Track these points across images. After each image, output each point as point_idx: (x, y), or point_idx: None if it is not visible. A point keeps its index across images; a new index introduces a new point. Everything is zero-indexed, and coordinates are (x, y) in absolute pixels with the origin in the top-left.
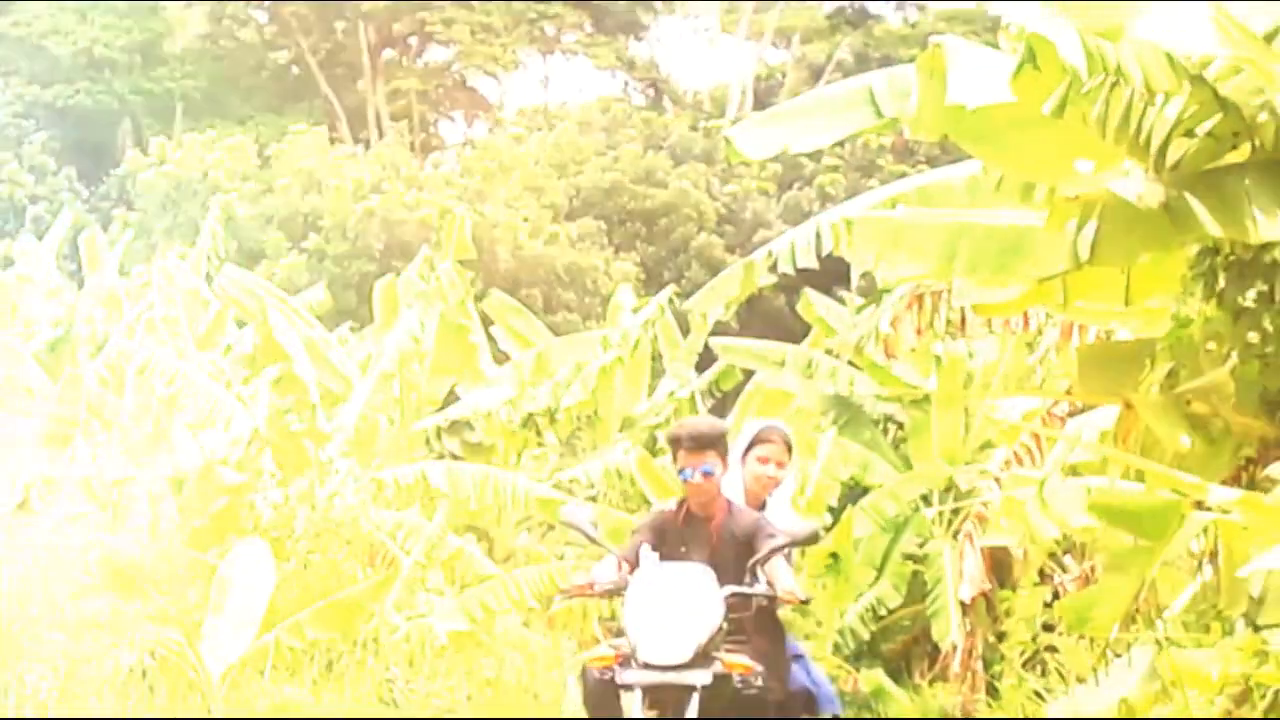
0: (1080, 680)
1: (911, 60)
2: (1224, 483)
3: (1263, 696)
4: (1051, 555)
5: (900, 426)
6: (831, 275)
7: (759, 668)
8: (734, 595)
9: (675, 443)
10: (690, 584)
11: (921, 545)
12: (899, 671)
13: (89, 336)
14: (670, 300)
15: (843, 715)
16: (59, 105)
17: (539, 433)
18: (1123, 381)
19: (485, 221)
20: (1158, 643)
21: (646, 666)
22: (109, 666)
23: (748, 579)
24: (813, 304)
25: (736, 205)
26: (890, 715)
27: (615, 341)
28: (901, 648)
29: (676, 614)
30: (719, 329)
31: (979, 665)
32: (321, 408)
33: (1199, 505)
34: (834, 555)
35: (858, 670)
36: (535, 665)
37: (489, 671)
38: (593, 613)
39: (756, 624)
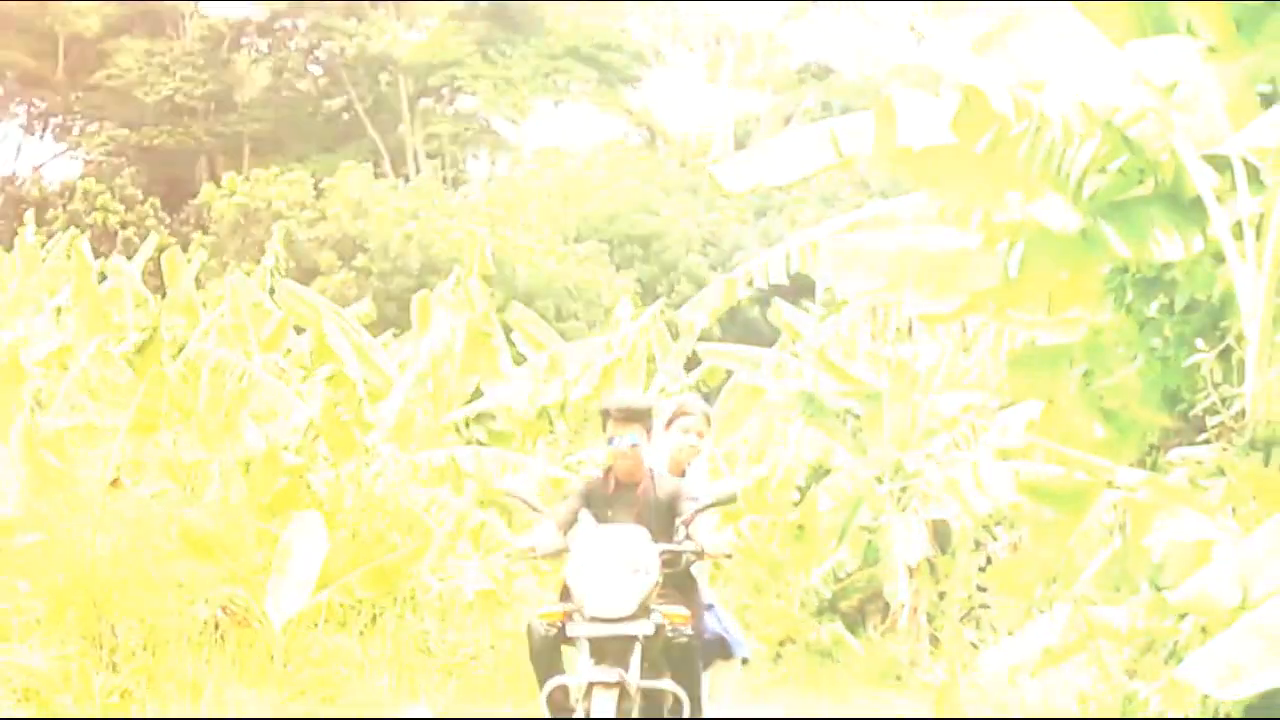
0: (1009, 633)
1: (867, 108)
2: (1131, 466)
3: (1163, 646)
4: (985, 527)
5: (857, 417)
6: (799, 290)
7: (692, 619)
8: (667, 552)
9: (606, 414)
10: (629, 543)
11: (875, 518)
12: (856, 625)
13: (170, 341)
14: (662, 311)
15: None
16: (145, 145)
17: (551, 422)
18: (1046, 380)
19: (506, 244)
20: (1075, 601)
21: (594, 620)
22: (187, 620)
23: (676, 537)
24: (783, 314)
25: (718, 231)
26: (849, 662)
27: (616, 345)
28: (858, 605)
29: (619, 571)
30: (704, 335)
31: (923, 620)
32: (367, 401)
33: (1110, 485)
34: (801, 527)
35: (821, 623)
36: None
37: (508, 625)
38: None
39: (674, 578)
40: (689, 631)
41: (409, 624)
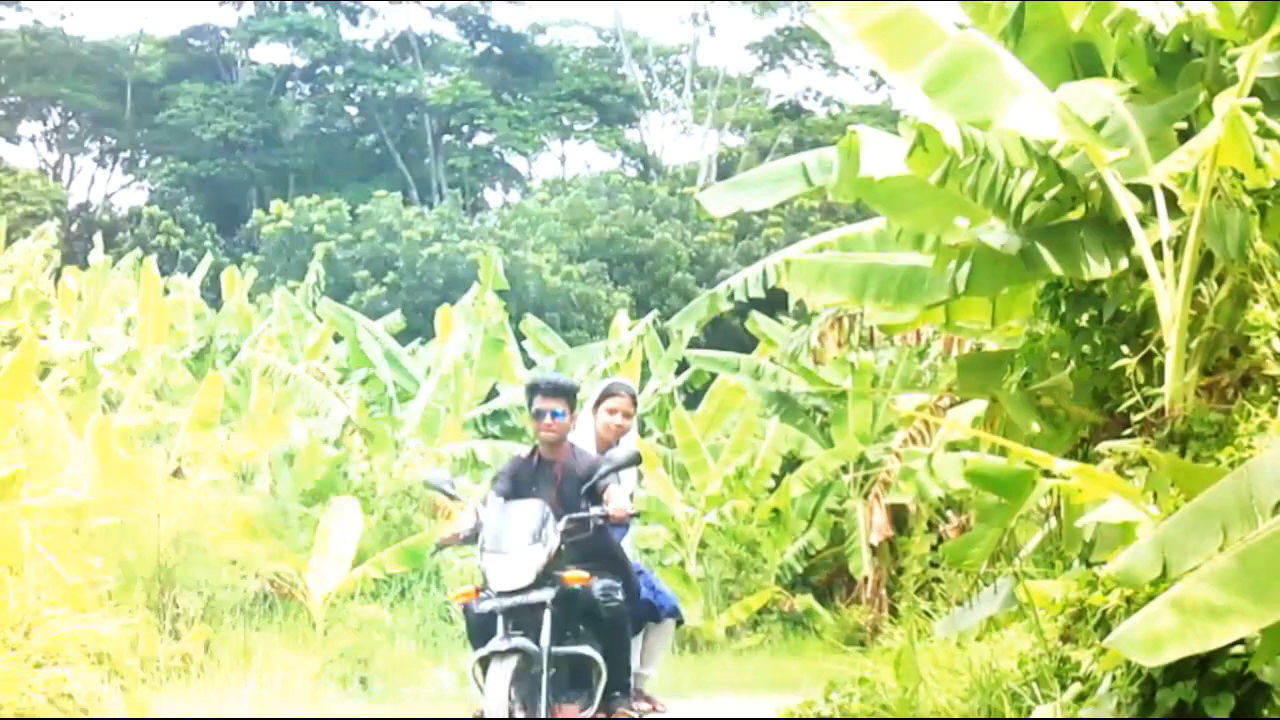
0: (959, 603)
1: (834, 144)
2: (1065, 457)
3: (1093, 614)
4: (937, 510)
5: (825, 415)
6: (774, 303)
7: (612, 581)
8: (571, 520)
9: (534, 389)
10: (527, 517)
11: (841, 503)
12: (824, 596)
13: (225, 348)
14: (654, 321)
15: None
16: (203, 176)
17: None
18: (990, 382)
19: (518, 263)
20: (1015, 575)
21: (500, 594)
22: (240, 593)
23: (583, 505)
24: (759, 324)
25: (704, 251)
26: (818, 628)
27: (614, 351)
28: (826, 579)
29: (517, 544)
30: (691, 343)
31: (884, 592)
32: (396, 401)
33: (1046, 474)
34: (776, 510)
35: (794, 595)
36: None
37: None
38: None
39: (601, 545)
40: (619, 597)
41: (433, 596)
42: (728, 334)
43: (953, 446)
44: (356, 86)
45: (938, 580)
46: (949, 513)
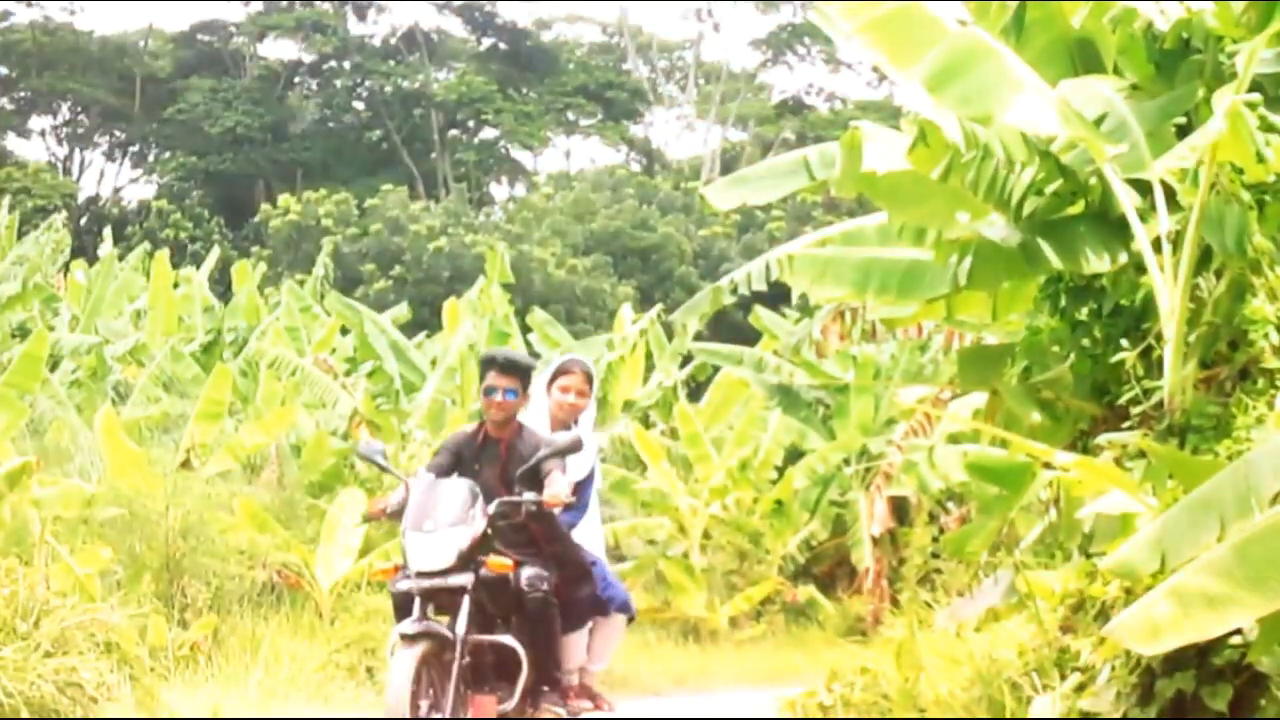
0: (960, 594)
1: (836, 139)
2: (1065, 449)
3: (1093, 605)
4: (938, 502)
5: (828, 407)
6: (777, 296)
7: (540, 570)
8: (503, 504)
9: (489, 363)
10: (454, 496)
11: (843, 495)
12: (827, 587)
13: (233, 341)
14: (659, 315)
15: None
16: (211, 171)
17: None
18: (991, 375)
19: (524, 257)
20: (1016, 566)
21: (418, 575)
22: (248, 583)
23: (517, 489)
24: (763, 317)
25: (707, 245)
26: (820, 619)
27: (619, 344)
28: (829, 570)
29: (439, 524)
30: (695, 336)
31: (885, 583)
32: (403, 394)
33: (1046, 465)
34: (779, 502)
35: (796, 586)
36: None
37: None
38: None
39: (544, 533)
40: (544, 588)
41: None
42: (731, 327)
43: (954, 439)
44: (363, 82)
45: (938, 571)
46: (950, 504)
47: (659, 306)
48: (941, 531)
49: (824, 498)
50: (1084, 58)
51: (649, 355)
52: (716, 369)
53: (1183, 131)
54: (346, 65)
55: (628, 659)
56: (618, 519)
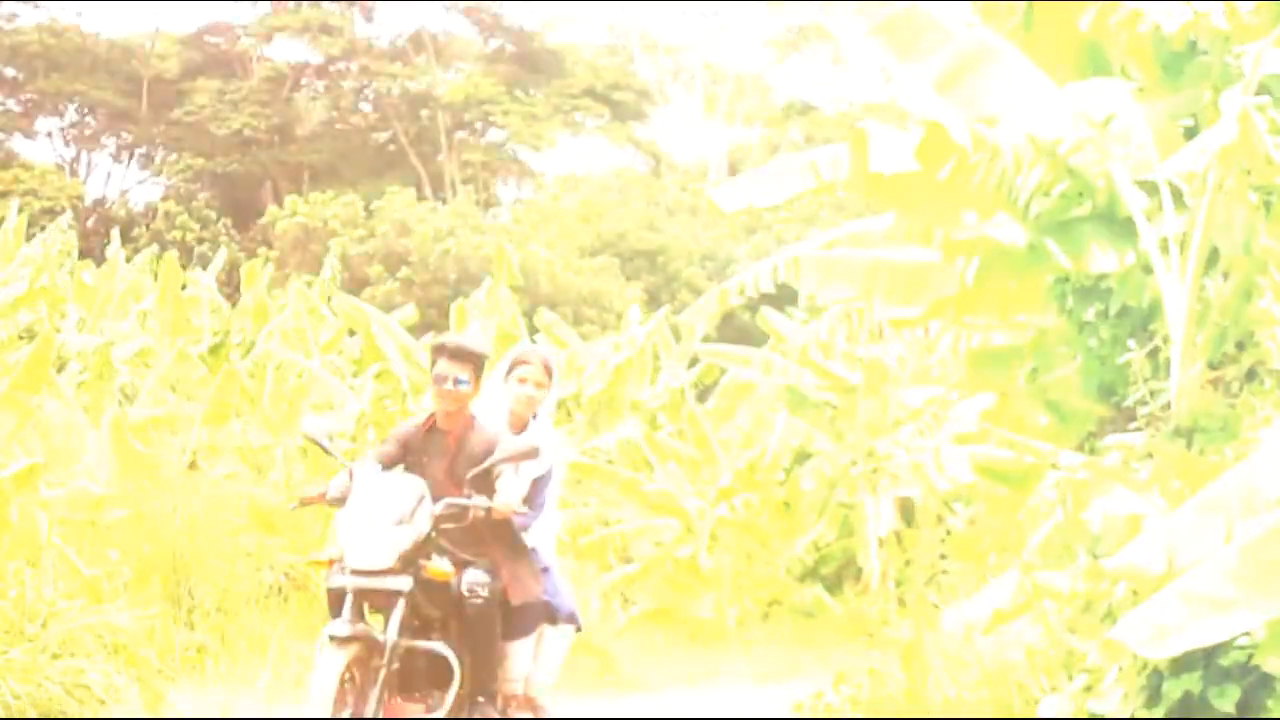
0: (966, 595)
1: (844, 140)
2: (1072, 450)
3: (1100, 607)
4: (945, 503)
5: (835, 409)
6: (785, 298)
7: (481, 575)
8: (450, 505)
9: (439, 350)
10: (399, 493)
11: (850, 496)
12: (834, 588)
13: (240, 342)
14: (666, 316)
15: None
16: (218, 172)
17: (570, 414)
18: (998, 376)
19: (531, 258)
20: (1023, 567)
21: (354, 572)
22: (255, 585)
23: (466, 490)
24: (770, 319)
25: (715, 247)
26: (828, 621)
27: (626, 346)
28: (836, 571)
29: (381, 522)
30: (703, 337)
31: (892, 584)
32: (410, 395)
33: (1053, 466)
34: (786, 503)
35: (804, 587)
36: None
37: None
38: (610, 544)
39: (495, 535)
40: (484, 594)
41: None
42: (738, 329)
43: (961, 440)
44: (371, 83)
45: (946, 572)
46: (957, 505)
47: (666, 308)
48: (949, 533)
49: (831, 499)
50: (1092, 59)
51: (656, 357)
52: (724, 371)
53: (1190, 133)
54: (354, 67)
55: (636, 660)
56: (625, 521)
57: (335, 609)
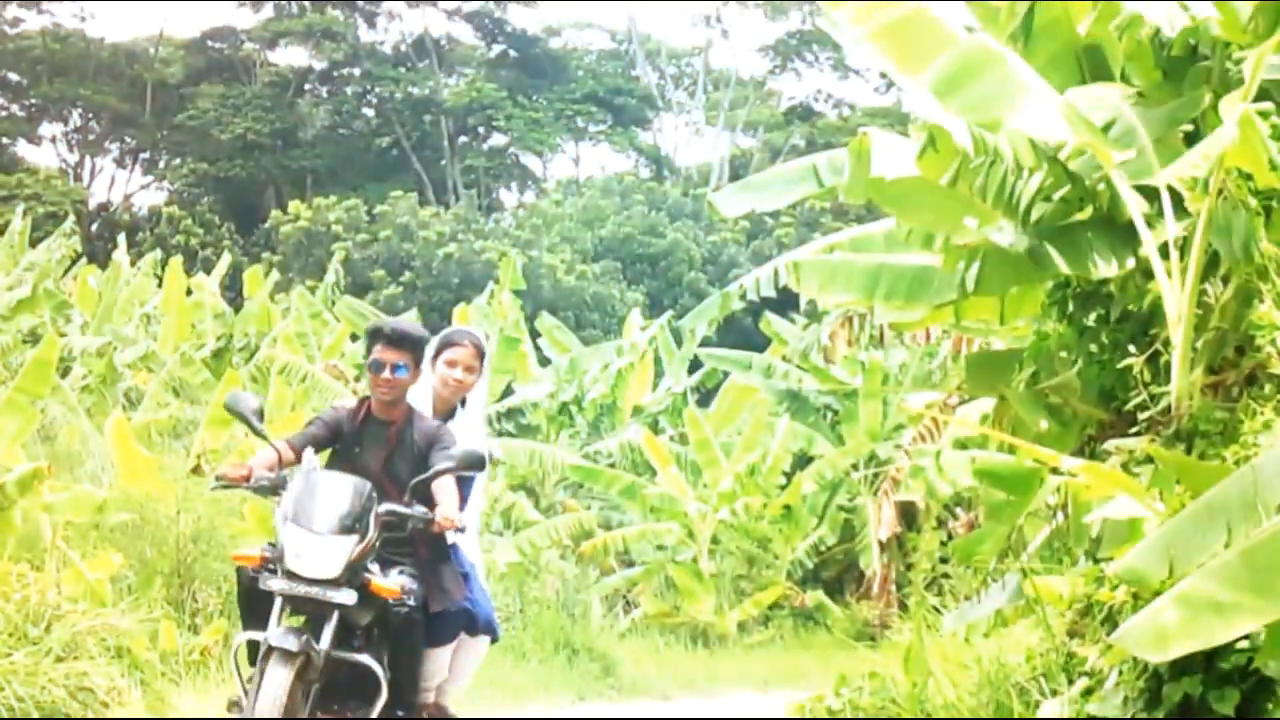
0: (967, 598)
1: (845, 145)
2: (1072, 454)
3: (1100, 610)
4: (946, 507)
5: (836, 413)
6: (786, 302)
7: (411, 583)
8: (390, 513)
9: (375, 334)
10: (344, 495)
11: (851, 500)
12: (835, 592)
13: (244, 347)
14: (668, 321)
15: (499, 638)
16: (222, 177)
17: (572, 417)
18: (999, 380)
19: (533, 263)
20: (1023, 571)
21: (292, 576)
22: None
23: (407, 498)
24: (771, 323)
25: (716, 251)
26: (829, 623)
27: (628, 350)
28: (837, 574)
29: (329, 527)
30: (704, 341)
31: (893, 587)
32: None
33: (1054, 471)
34: (787, 507)
35: (805, 591)
36: (568, 588)
37: (535, 592)
38: (612, 548)
39: (422, 536)
40: (410, 603)
41: None
42: (740, 333)
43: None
44: (373, 88)
45: (946, 576)
46: (958, 509)
47: (668, 313)
48: (949, 536)
49: (832, 503)
50: (1091, 64)
51: (658, 361)
52: (725, 374)
53: (1190, 138)
54: (356, 72)
55: (637, 663)
56: (627, 524)
57: (251, 607)
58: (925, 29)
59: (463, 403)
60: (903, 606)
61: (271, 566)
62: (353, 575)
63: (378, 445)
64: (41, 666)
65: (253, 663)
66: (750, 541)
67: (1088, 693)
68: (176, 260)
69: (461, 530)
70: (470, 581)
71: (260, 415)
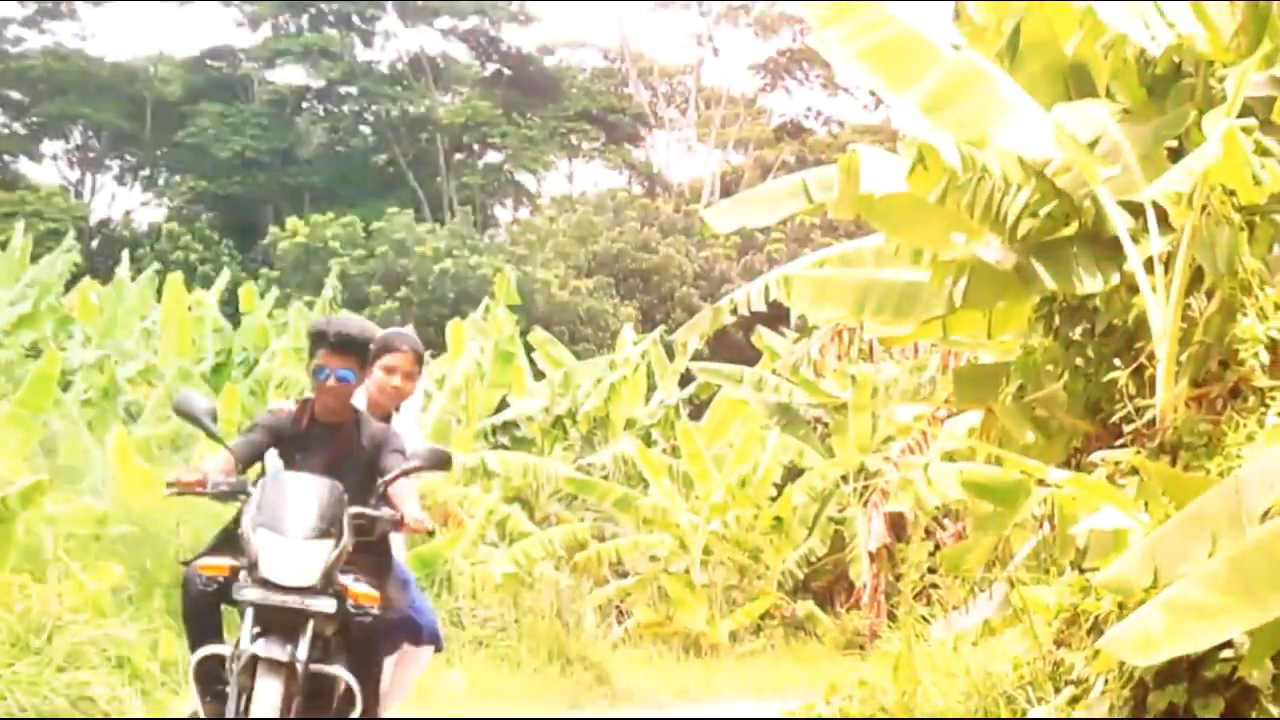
0: (955, 608)
1: (834, 162)
2: (1059, 466)
3: (1086, 619)
4: (934, 518)
5: (826, 425)
6: (777, 317)
7: (373, 590)
8: (360, 516)
9: (319, 338)
10: (316, 497)
11: (841, 511)
12: (825, 602)
13: (242, 361)
14: (660, 335)
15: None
16: (221, 194)
17: (565, 430)
18: (986, 393)
19: (527, 278)
20: (1010, 581)
21: (265, 584)
22: None
23: (373, 498)
24: (763, 337)
25: (708, 266)
26: (819, 633)
27: (621, 364)
28: (827, 585)
29: (303, 531)
30: (696, 355)
31: (882, 598)
32: None
33: (1040, 482)
34: (778, 519)
35: (795, 601)
36: (562, 598)
37: (529, 602)
38: (606, 559)
39: (368, 542)
40: (374, 611)
41: (445, 601)
42: (731, 347)
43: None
44: (370, 106)
45: (935, 586)
46: (946, 520)
47: (661, 327)
48: (938, 547)
49: (822, 514)
50: (1077, 82)
51: (651, 375)
52: (717, 388)
53: (1174, 154)
54: (353, 90)
55: (630, 672)
56: (620, 535)
57: (202, 621)
58: (913, 48)
59: (396, 409)
60: (892, 616)
61: (243, 576)
62: (330, 583)
63: (323, 449)
64: (44, 676)
65: (210, 679)
66: (742, 552)
67: (1074, 701)
68: (177, 276)
69: (431, 533)
70: (410, 588)
71: (213, 417)
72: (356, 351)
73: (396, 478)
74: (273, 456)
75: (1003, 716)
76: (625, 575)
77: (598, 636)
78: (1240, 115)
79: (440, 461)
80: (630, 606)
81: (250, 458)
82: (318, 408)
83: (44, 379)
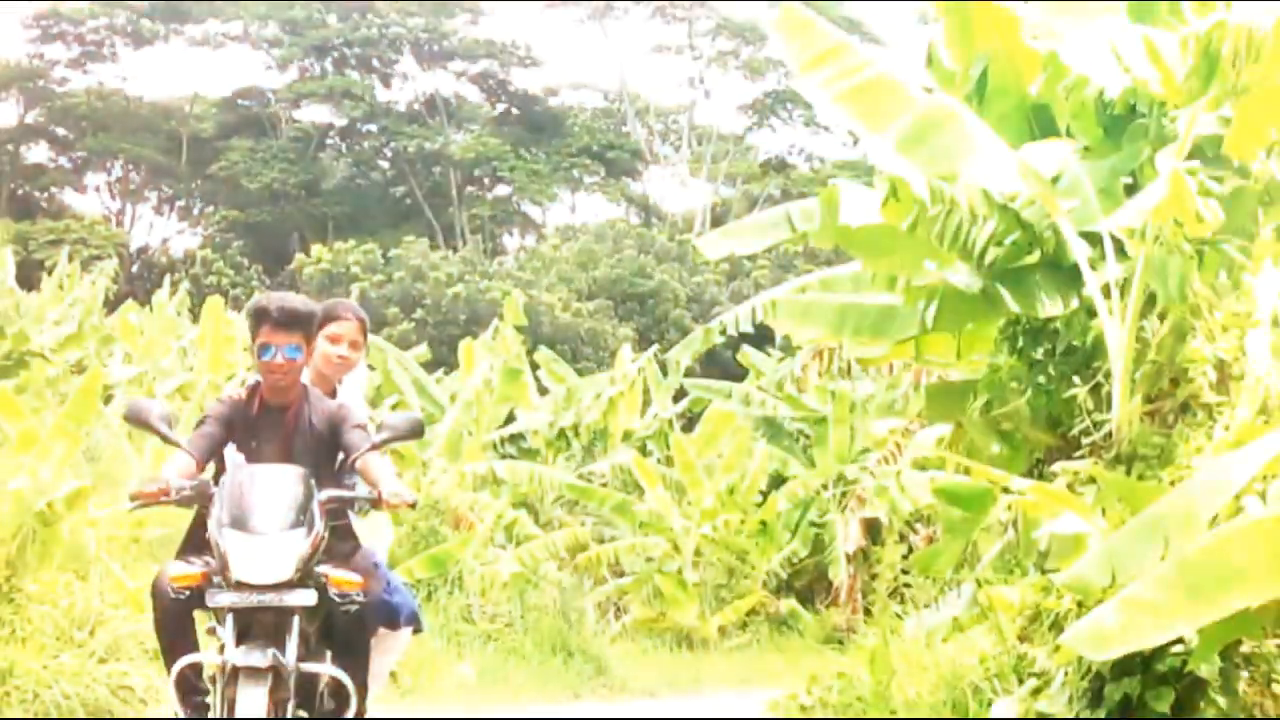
0: (926, 606)
1: (816, 195)
2: (1022, 476)
3: (1048, 617)
4: (907, 523)
5: (808, 437)
6: (762, 337)
7: (355, 577)
8: (333, 499)
9: (261, 316)
10: (283, 487)
11: (821, 516)
12: (807, 599)
13: None
14: (655, 354)
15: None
16: (250, 223)
17: (568, 442)
18: (955, 408)
19: (533, 301)
20: (978, 581)
21: (239, 586)
22: None
23: (348, 481)
24: (749, 356)
25: (699, 291)
26: (801, 629)
27: (619, 380)
28: (808, 584)
29: (273, 525)
30: (688, 372)
31: (859, 596)
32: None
33: (1005, 490)
34: (763, 523)
35: (779, 599)
36: (565, 596)
37: (534, 599)
38: (604, 560)
39: (336, 528)
40: (360, 599)
41: (457, 599)
42: (721, 365)
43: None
44: (389, 143)
45: (908, 586)
46: (918, 525)
47: (656, 346)
48: (910, 550)
49: (804, 519)
50: (1040, 122)
51: (647, 390)
52: (708, 402)
53: (1130, 188)
54: (374, 128)
55: (626, 664)
56: (618, 538)
57: (175, 631)
58: (888, 91)
59: (339, 381)
60: (868, 613)
61: (216, 581)
62: (308, 575)
63: (276, 433)
64: (86, 667)
65: (190, 689)
66: (730, 554)
67: (1036, 692)
68: (217, 299)
69: (414, 505)
70: (382, 570)
71: (168, 422)
72: (301, 327)
73: (366, 452)
74: (231, 451)
75: (970, 706)
76: (623, 575)
77: (597, 631)
78: (1191, 153)
79: (414, 429)
80: (627, 604)
81: (209, 452)
82: (266, 389)
83: (87, 393)
